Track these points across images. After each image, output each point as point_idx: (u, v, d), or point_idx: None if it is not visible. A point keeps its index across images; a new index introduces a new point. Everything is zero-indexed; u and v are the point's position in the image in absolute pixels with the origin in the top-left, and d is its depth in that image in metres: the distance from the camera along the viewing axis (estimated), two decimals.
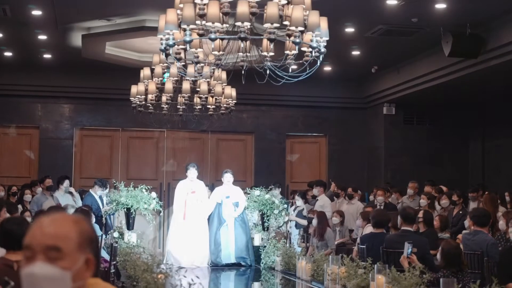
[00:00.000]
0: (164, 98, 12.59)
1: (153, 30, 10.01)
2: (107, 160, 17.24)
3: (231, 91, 12.67)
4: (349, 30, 12.78)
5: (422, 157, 17.19)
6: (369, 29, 12.80)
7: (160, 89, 12.44)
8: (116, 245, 9.36)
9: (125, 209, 11.80)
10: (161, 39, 7.97)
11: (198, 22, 7.51)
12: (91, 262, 2.28)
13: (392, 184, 15.69)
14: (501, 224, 9.49)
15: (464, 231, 10.30)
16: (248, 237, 12.49)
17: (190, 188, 12.49)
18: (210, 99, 12.85)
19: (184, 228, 12.27)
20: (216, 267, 12.24)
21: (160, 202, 12.22)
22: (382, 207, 13.01)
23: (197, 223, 12.35)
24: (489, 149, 16.82)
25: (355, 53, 14.57)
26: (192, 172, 12.55)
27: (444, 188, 13.60)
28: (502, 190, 13.01)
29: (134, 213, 11.81)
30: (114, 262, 8.85)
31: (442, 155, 17.37)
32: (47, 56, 15.07)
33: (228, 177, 12.77)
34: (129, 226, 11.92)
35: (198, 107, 13.07)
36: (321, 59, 8.08)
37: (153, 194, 12.01)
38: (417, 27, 12.54)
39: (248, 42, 8.31)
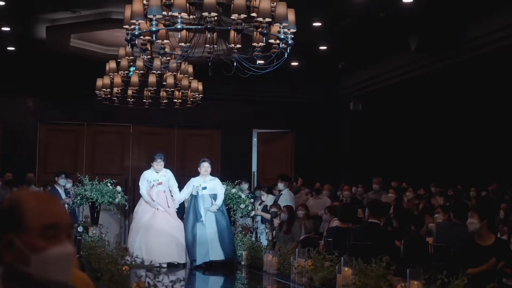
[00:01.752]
0: (130, 92, 12.46)
1: (119, 22, 9.86)
2: (72, 155, 17.03)
3: (197, 85, 12.58)
4: (317, 24, 12.75)
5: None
6: (336, 23, 12.78)
7: (126, 83, 12.31)
8: (80, 238, 9.23)
9: (89, 203, 11.66)
10: (127, 29, 7.86)
11: (164, 13, 7.42)
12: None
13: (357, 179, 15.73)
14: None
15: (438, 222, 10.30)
16: (230, 232, 11.52)
17: (155, 179, 11.61)
18: (176, 93, 12.75)
19: (152, 222, 11.36)
20: (189, 267, 11.22)
21: (125, 196, 12.07)
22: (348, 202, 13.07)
23: (166, 216, 11.50)
24: None
25: (322, 48, 14.54)
26: (159, 164, 11.69)
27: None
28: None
29: (99, 207, 11.68)
30: (77, 256, 8.72)
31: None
32: (10, 48, 14.80)
33: (205, 167, 11.65)
34: (94, 221, 11.79)
35: (165, 101, 12.95)
36: (288, 51, 8.03)
37: (118, 188, 11.90)
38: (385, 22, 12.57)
39: (215, 34, 8.26)
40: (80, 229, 11.28)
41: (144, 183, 11.63)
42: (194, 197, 11.47)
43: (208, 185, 11.50)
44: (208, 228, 11.28)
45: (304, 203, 12.66)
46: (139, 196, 16.61)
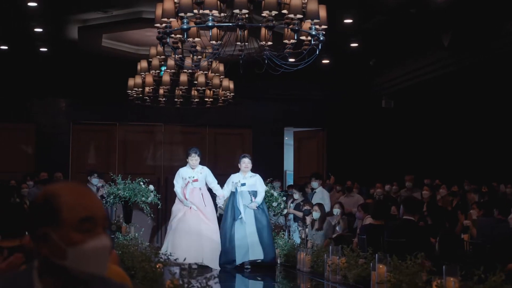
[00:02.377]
0: (161, 91, 12.52)
1: (150, 22, 9.92)
2: (104, 155, 17.14)
3: (228, 83, 12.59)
4: (348, 21, 12.68)
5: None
6: (367, 20, 12.69)
7: (157, 82, 12.36)
8: (113, 236, 9.27)
9: (122, 203, 11.71)
10: (158, 28, 7.88)
11: (195, 11, 7.42)
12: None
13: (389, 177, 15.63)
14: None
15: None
16: (270, 231, 10.98)
17: (191, 176, 11.13)
18: (207, 91, 12.78)
19: (187, 221, 10.87)
20: (228, 268, 10.68)
21: (158, 195, 12.09)
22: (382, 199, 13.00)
23: (201, 215, 10.94)
24: None
25: (353, 45, 14.44)
26: (194, 159, 11.16)
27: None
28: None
29: (131, 206, 11.72)
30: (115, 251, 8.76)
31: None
32: (43, 49, 14.92)
33: (245, 163, 11.21)
34: (127, 220, 11.83)
35: (196, 100, 12.98)
36: (319, 47, 7.98)
37: (151, 187, 11.92)
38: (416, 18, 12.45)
39: (246, 32, 8.24)
40: (113, 228, 11.32)
41: (179, 180, 11.21)
42: (232, 194, 11.08)
43: (247, 182, 11.10)
44: (248, 226, 10.81)
45: (339, 202, 12.59)
46: (171, 195, 16.78)
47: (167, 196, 16.66)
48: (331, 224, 11.67)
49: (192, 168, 11.21)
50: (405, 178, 14.33)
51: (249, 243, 10.68)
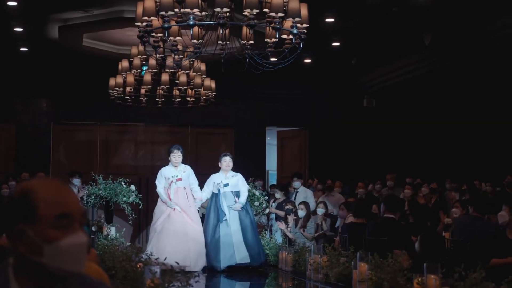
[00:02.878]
0: (142, 91, 12.46)
1: (131, 21, 9.87)
2: (86, 155, 17.02)
3: (210, 83, 12.54)
4: (329, 20, 12.68)
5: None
6: (349, 19, 12.70)
7: (139, 82, 12.30)
8: (93, 236, 9.23)
9: (103, 203, 11.64)
10: (139, 26, 7.85)
11: (176, 9, 7.39)
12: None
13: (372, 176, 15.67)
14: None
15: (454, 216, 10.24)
16: (256, 232, 10.67)
17: (174, 175, 10.67)
18: (189, 91, 12.73)
19: (172, 223, 10.35)
20: (215, 271, 10.29)
21: (139, 195, 12.02)
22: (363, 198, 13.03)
23: (186, 216, 10.45)
24: None
25: (335, 44, 14.45)
26: (176, 156, 10.73)
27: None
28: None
29: (112, 206, 11.65)
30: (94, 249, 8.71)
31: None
32: (23, 49, 14.81)
33: (227, 161, 10.84)
34: (108, 220, 11.76)
35: (178, 99, 12.93)
36: (301, 46, 7.98)
37: (132, 187, 11.85)
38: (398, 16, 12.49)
39: (227, 31, 8.22)
40: (94, 228, 11.25)
41: (161, 180, 10.76)
42: (215, 195, 10.66)
43: (230, 182, 10.71)
44: (233, 227, 10.43)
45: (323, 201, 12.58)
46: (152, 195, 16.74)
47: (149, 196, 16.61)
48: (315, 223, 11.67)
49: (175, 166, 10.75)
50: (386, 177, 14.38)
51: (234, 245, 10.33)
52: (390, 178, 14.23)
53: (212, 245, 10.35)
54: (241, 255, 10.31)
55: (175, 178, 10.62)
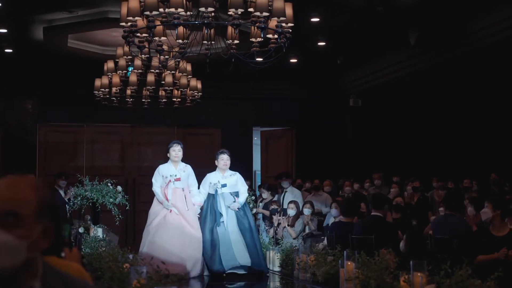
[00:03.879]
0: (128, 92, 12.43)
1: (116, 21, 9.80)
2: (72, 157, 16.95)
3: (196, 83, 12.53)
4: (315, 19, 12.68)
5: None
6: (334, 18, 12.69)
7: (125, 83, 12.27)
8: (79, 236, 9.19)
9: (90, 204, 11.59)
10: (123, 27, 7.83)
11: (161, 9, 7.38)
12: (49, 231, 2.07)
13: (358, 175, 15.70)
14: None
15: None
16: (255, 235, 9.85)
17: (172, 174, 9.80)
18: (175, 91, 12.71)
19: (168, 227, 9.48)
20: (215, 276, 9.50)
21: (126, 196, 11.98)
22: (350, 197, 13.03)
23: (184, 220, 9.59)
24: None
25: (321, 43, 14.45)
26: (176, 150, 9.86)
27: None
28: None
29: (99, 207, 11.60)
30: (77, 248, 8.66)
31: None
32: (8, 50, 14.72)
33: (224, 159, 10.00)
34: (95, 221, 11.71)
35: (164, 100, 12.90)
36: (286, 45, 7.98)
37: (119, 188, 11.80)
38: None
39: (212, 31, 8.21)
40: (81, 230, 11.20)
41: (158, 178, 9.85)
42: (211, 197, 9.85)
43: (228, 182, 9.87)
44: (231, 230, 9.66)
45: (310, 201, 12.56)
46: (140, 196, 16.81)
47: (136, 197, 16.58)
48: (301, 223, 11.66)
49: (174, 162, 9.87)
50: (373, 176, 14.40)
51: (234, 248, 9.55)
52: (377, 177, 14.27)
53: (210, 249, 9.50)
54: (242, 256, 9.53)
55: (174, 177, 9.74)
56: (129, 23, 7.71)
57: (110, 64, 12.23)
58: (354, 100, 17.55)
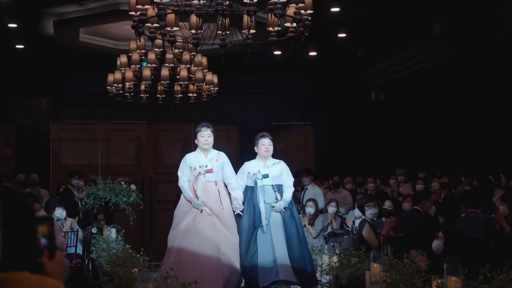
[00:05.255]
0: (142, 87, 12.07)
1: (127, 14, 9.43)
2: (86, 155, 16.60)
3: (212, 77, 12.14)
4: (335, 9, 12.21)
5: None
6: (355, 8, 12.23)
7: (139, 79, 11.91)
8: (89, 239, 8.82)
9: (103, 203, 11.22)
10: (133, 16, 7.45)
11: None
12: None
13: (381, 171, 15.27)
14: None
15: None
16: (304, 244, 7.97)
17: (202, 164, 8.01)
18: (191, 86, 12.33)
19: (198, 231, 7.72)
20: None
21: (140, 195, 11.58)
22: (373, 194, 12.63)
23: (218, 222, 7.82)
24: None
25: (341, 35, 13.97)
26: (206, 135, 8.10)
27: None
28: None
29: (112, 207, 11.22)
30: (88, 258, 8.32)
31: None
32: (19, 46, 14.36)
33: (266, 144, 8.30)
34: (108, 221, 11.34)
35: (179, 95, 12.52)
36: (305, 34, 7.54)
37: (133, 187, 11.41)
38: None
39: (227, 21, 7.79)
40: (94, 230, 10.83)
41: (185, 171, 8.11)
42: (249, 190, 8.10)
43: (271, 172, 8.12)
44: (275, 237, 7.82)
45: (334, 199, 12.06)
46: (156, 195, 16.42)
47: (152, 196, 16.22)
48: (323, 221, 11.21)
49: (204, 151, 8.12)
50: (396, 172, 14.01)
51: (277, 262, 7.71)
52: (400, 173, 13.95)
53: (247, 261, 7.77)
54: (285, 272, 7.70)
55: (204, 168, 7.98)
56: (138, 12, 7.32)
57: (123, 59, 11.89)
58: (376, 93, 17.09)
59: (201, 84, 12.14)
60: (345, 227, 11.32)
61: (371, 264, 6.39)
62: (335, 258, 7.70)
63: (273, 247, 7.76)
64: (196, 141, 8.20)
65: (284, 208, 7.96)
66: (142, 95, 12.30)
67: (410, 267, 5.91)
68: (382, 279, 6.13)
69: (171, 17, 7.60)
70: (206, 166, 7.96)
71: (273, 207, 7.95)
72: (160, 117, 16.25)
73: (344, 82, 17.24)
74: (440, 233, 6.67)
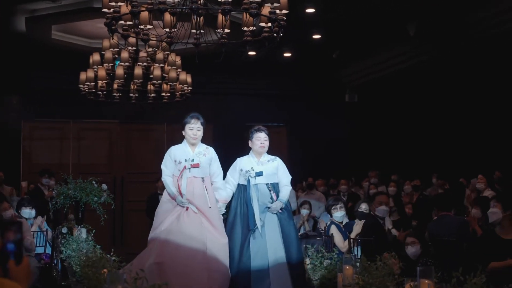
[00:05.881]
0: (115, 85, 11.95)
1: (101, 12, 9.31)
2: (57, 154, 16.41)
3: (186, 77, 12.06)
4: (310, 10, 12.18)
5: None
6: (330, 10, 12.21)
7: (111, 77, 11.79)
8: (59, 239, 8.69)
9: (73, 203, 11.06)
10: (106, 13, 7.36)
11: None
12: None
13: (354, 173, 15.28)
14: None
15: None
16: (300, 246, 7.33)
17: (188, 158, 7.30)
18: (164, 86, 12.24)
19: (183, 231, 6.94)
20: None
21: (111, 195, 11.44)
22: (345, 197, 12.64)
23: (205, 221, 7.08)
24: None
25: (316, 36, 13.94)
26: (195, 128, 7.41)
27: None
28: None
29: (83, 207, 11.07)
30: (58, 258, 8.20)
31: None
32: None
33: (261, 139, 7.67)
34: (79, 221, 11.18)
35: (152, 95, 12.41)
36: (281, 34, 7.50)
37: (104, 186, 11.26)
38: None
39: (201, 19, 7.72)
40: (64, 230, 10.68)
41: (169, 164, 7.35)
42: (242, 189, 7.37)
43: (265, 169, 7.42)
44: (269, 241, 7.04)
45: (308, 201, 12.02)
46: (127, 195, 16.28)
47: (124, 196, 16.08)
48: (297, 223, 11.16)
49: (192, 145, 7.42)
50: (369, 174, 14.01)
51: (271, 269, 6.95)
52: (373, 175, 13.94)
53: (238, 267, 7.01)
54: (280, 279, 6.94)
55: (190, 163, 7.26)
56: (111, 9, 7.23)
57: (96, 57, 11.78)
58: (350, 95, 17.09)
59: (174, 83, 12.07)
60: (318, 228, 11.28)
61: (343, 266, 6.34)
62: (307, 260, 7.63)
63: (268, 252, 6.97)
64: (183, 133, 7.45)
65: (281, 209, 7.22)
66: (115, 94, 12.19)
67: (383, 270, 5.86)
68: (355, 281, 6.07)
69: (144, 15, 7.51)
70: (193, 160, 7.26)
71: (268, 207, 7.19)
72: (133, 117, 16.12)
73: (318, 84, 17.23)
74: (414, 239, 6.63)
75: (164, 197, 7.38)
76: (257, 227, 7.05)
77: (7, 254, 2.20)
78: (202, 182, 7.25)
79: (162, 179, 7.41)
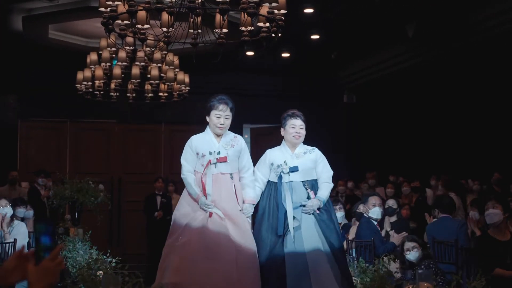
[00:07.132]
0: (112, 85, 11.91)
1: (98, 11, 9.26)
2: (54, 154, 16.34)
3: (184, 77, 12.03)
4: (308, 11, 12.14)
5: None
6: (329, 10, 12.16)
7: (108, 77, 11.74)
8: (57, 238, 8.62)
9: (70, 203, 11.02)
10: (103, 12, 7.31)
11: None
12: None
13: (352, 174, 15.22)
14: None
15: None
16: (342, 251, 5.99)
17: (213, 150, 6.07)
18: (161, 85, 12.20)
19: (206, 241, 5.70)
20: None
21: (108, 195, 11.39)
22: (343, 198, 12.61)
23: (233, 228, 5.79)
24: None
25: (314, 37, 13.89)
26: (223, 115, 6.21)
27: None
28: None
29: (79, 207, 11.02)
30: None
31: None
32: None
33: (296, 127, 6.59)
34: (75, 222, 11.13)
35: (150, 94, 12.37)
36: (279, 34, 7.46)
37: (101, 187, 11.23)
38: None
39: (199, 19, 7.68)
40: (60, 231, 10.63)
41: (190, 158, 6.09)
42: (272, 187, 6.18)
43: (301, 163, 6.22)
44: (307, 245, 5.77)
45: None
46: (125, 196, 16.22)
47: (121, 196, 16.02)
48: None
49: (217, 136, 6.21)
50: (366, 176, 13.96)
51: (311, 276, 5.64)
52: (371, 176, 13.88)
53: (268, 274, 5.75)
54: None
55: (216, 156, 6.03)
56: (108, 9, 7.18)
57: (93, 56, 11.72)
58: (348, 96, 17.04)
59: (172, 83, 12.05)
60: None
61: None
62: None
63: (306, 261, 5.67)
64: (207, 119, 6.25)
65: (319, 208, 5.98)
66: (112, 93, 12.16)
67: (380, 272, 5.83)
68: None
69: (142, 14, 7.47)
70: (219, 153, 6.01)
71: (303, 206, 5.95)
72: (130, 117, 16.06)
73: (316, 84, 17.18)
74: (414, 243, 6.57)
75: (184, 198, 6.10)
76: (290, 230, 5.78)
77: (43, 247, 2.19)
78: (231, 180, 6.01)
79: (182, 177, 6.09)
